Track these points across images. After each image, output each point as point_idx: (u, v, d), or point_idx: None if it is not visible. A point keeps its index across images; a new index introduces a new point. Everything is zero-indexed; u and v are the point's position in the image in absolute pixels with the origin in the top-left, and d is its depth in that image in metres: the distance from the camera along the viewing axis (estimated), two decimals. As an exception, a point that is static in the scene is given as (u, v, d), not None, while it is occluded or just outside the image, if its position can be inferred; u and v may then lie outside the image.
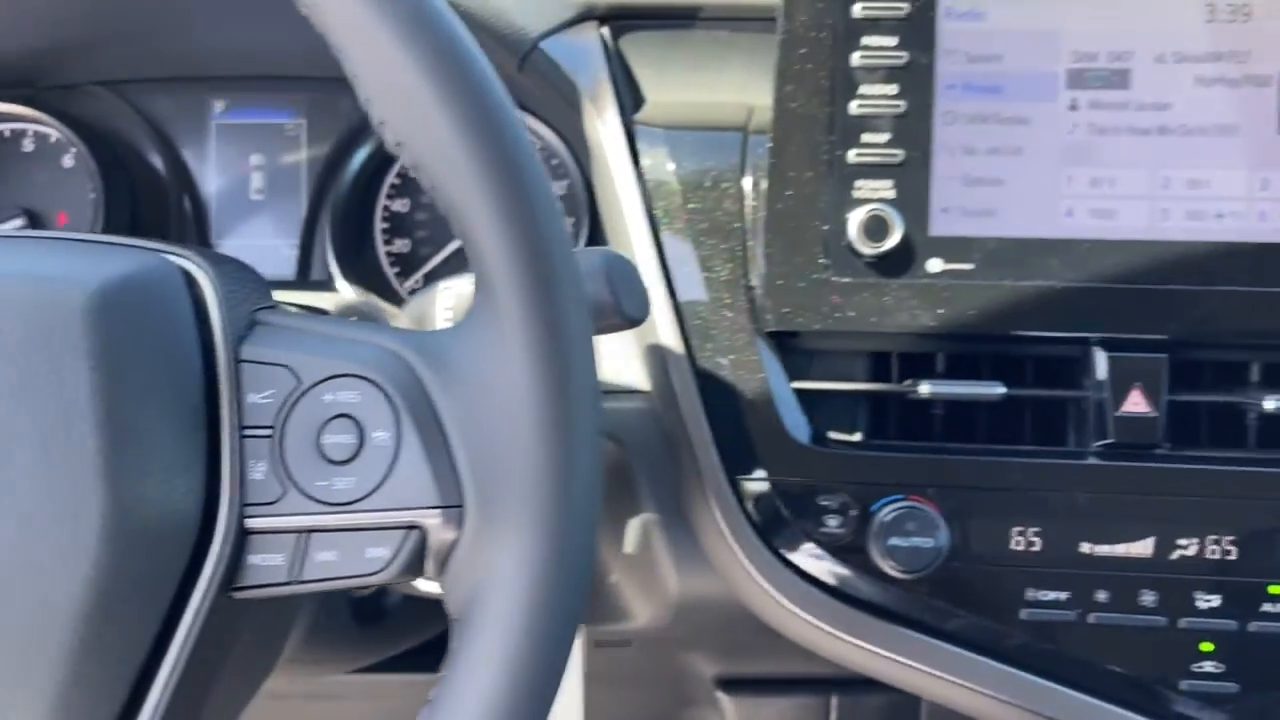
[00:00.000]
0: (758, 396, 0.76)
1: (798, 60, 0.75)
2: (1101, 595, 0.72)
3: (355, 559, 0.48)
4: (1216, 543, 0.72)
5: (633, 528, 0.83)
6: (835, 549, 0.74)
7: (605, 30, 0.84)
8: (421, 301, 0.75)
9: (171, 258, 0.53)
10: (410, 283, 0.97)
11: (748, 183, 0.78)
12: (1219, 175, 0.73)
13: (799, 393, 0.77)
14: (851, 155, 0.75)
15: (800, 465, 0.75)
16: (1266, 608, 0.71)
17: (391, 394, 0.48)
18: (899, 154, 0.74)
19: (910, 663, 0.73)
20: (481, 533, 0.47)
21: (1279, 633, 0.71)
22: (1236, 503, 0.72)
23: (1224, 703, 0.71)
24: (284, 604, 0.63)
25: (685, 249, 0.78)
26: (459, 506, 0.47)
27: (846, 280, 0.75)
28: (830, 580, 0.74)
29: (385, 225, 0.98)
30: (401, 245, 0.98)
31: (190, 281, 0.52)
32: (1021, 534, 0.73)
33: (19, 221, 0.97)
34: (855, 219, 0.73)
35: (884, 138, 0.75)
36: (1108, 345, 0.73)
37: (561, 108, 0.84)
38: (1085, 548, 0.73)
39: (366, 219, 0.97)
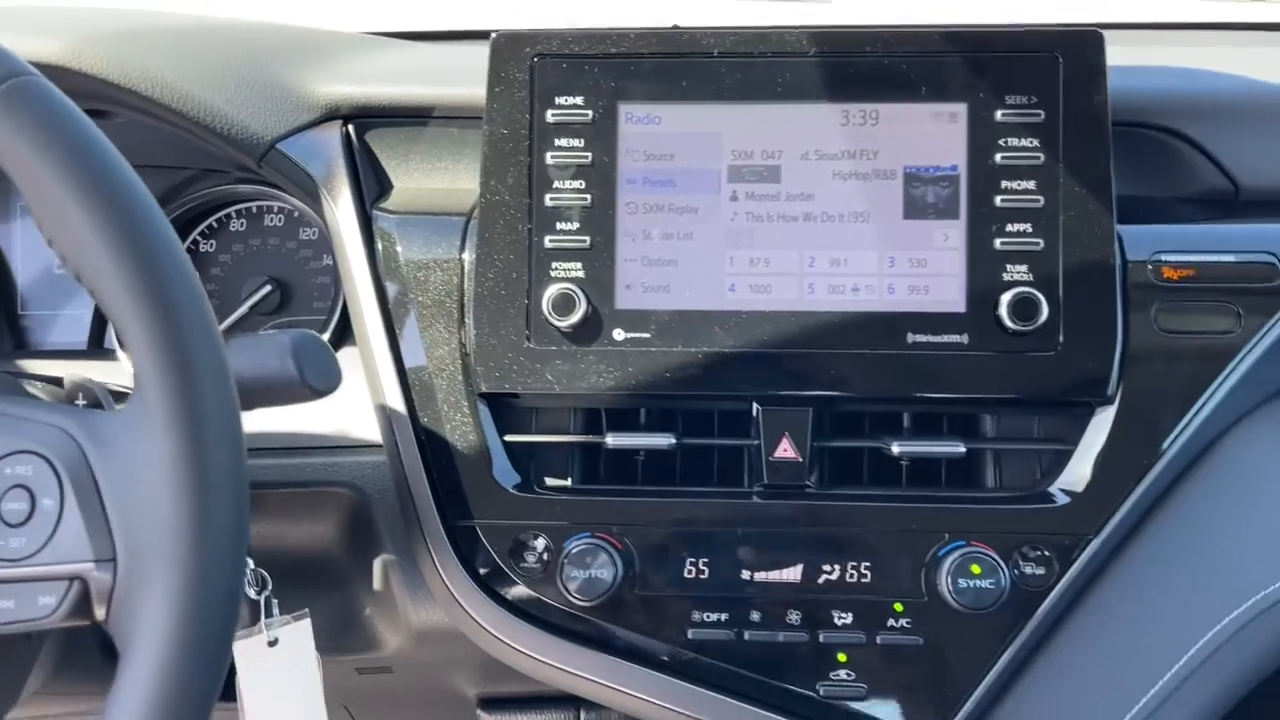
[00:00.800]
0: (471, 449, 0.87)
1: (500, 158, 0.87)
2: (755, 615, 0.84)
3: (29, 605, 0.58)
4: (855, 568, 0.84)
5: (376, 567, 0.94)
6: (532, 581, 0.85)
7: (350, 127, 0.95)
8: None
9: None
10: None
11: (468, 260, 0.90)
12: (855, 255, 0.86)
13: (515, 444, 0.89)
14: (547, 241, 0.87)
15: (505, 509, 0.86)
16: (891, 623, 0.84)
17: (58, 467, 0.59)
18: (586, 240, 0.86)
19: (596, 679, 0.85)
20: (132, 579, 0.58)
21: (901, 643, 0.83)
22: (870, 533, 0.85)
23: (854, 704, 0.83)
24: (10, 644, 0.73)
25: (410, 319, 0.89)
26: (112, 559, 0.58)
27: (545, 348, 0.86)
28: (529, 609, 0.86)
29: (176, 295, 1.08)
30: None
31: None
32: (693, 564, 0.85)
33: None
34: (547, 296, 0.85)
35: (574, 226, 0.87)
36: (765, 401, 0.86)
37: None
38: (745, 575, 0.85)
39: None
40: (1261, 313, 0.85)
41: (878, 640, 0.83)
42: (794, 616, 0.84)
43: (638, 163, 0.88)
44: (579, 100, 0.87)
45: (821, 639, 0.84)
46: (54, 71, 0.84)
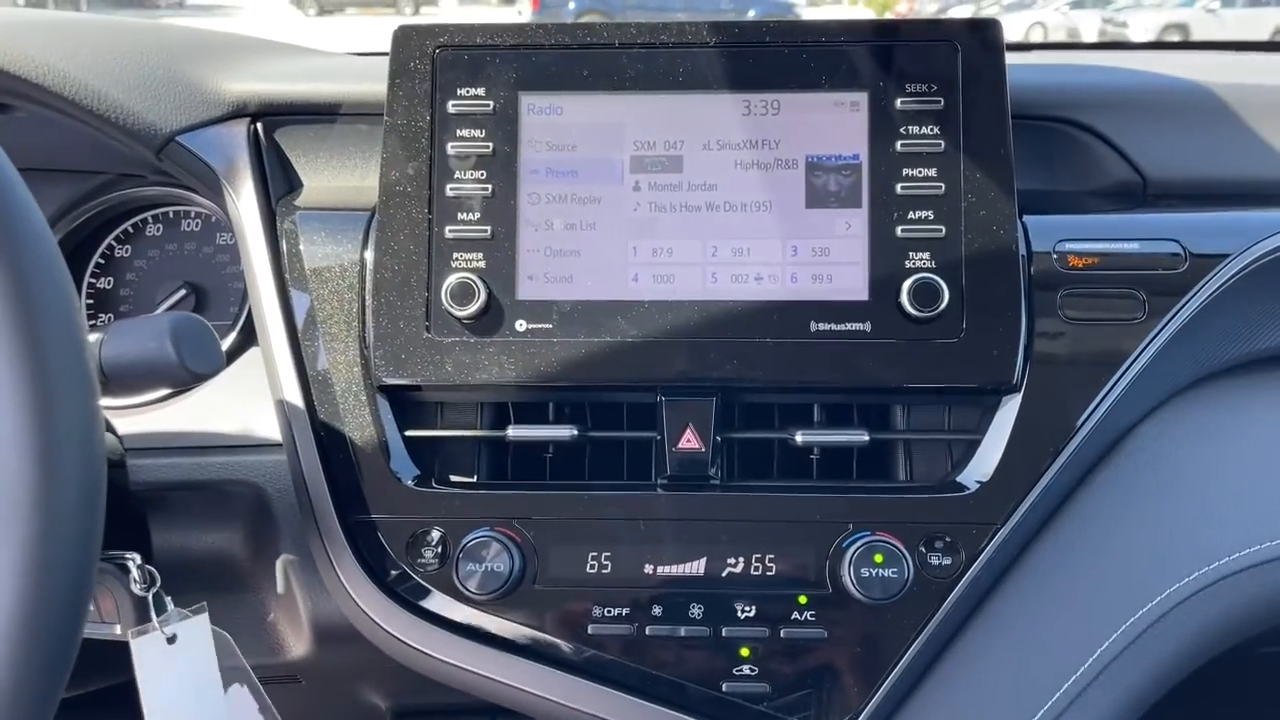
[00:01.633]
0: (369, 444, 0.85)
1: (401, 148, 0.87)
2: (657, 610, 0.82)
3: None
4: (759, 560, 0.83)
5: (278, 568, 0.92)
6: (429, 577, 0.83)
7: (259, 125, 0.95)
8: None
9: None
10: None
11: (369, 255, 0.89)
12: (758, 244, 0.85)
13: (419, 440, 0.87)
14: (448, 231, 0.86)
15: (403, 504, 0.84)
16: (796, 616, 0.82)
17: None
18: (488, 230, 0.86)
19: (493, 677, 0.82)
20: None
21: (804, 637, 0.81)
22: (775, 525, 0.83)
23: (758, 701, 0.81)
24: None
25: (311, 314, 0.88)
26: None
27: (444, 339, 0.85)
28: (425, 605, 0.83)
29: (90, 301, 1.07)
30: (105, 320, 1.07)
31: None
32: (595, 558, 0.83)
33: None
34: (446, 285, 0.84)
35: (475, 216, 0.86)
36: (668, 391, 0.84)
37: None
38: (648, 569, 0.83)
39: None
40: (1167, 300, 0.85)
41: (781, 634, 0.81)
42: (696, 611, 0.82)
43: (540, 153, 0.87)
44: (480, 91, 0.87)
45: (724, 633, 0.82)
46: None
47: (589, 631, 0.82)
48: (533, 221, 0.86)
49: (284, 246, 0.90)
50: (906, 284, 0.82)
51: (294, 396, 0.86)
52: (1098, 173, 0.94)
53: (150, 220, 1.08)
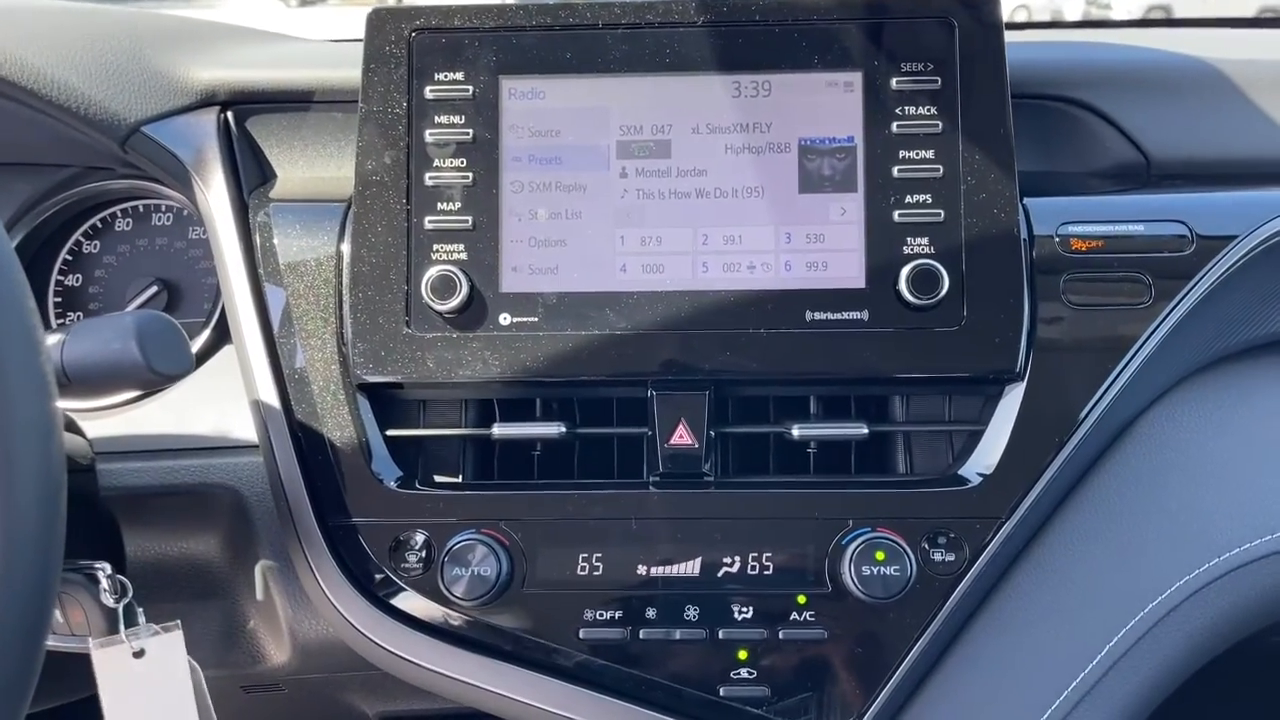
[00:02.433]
0: (348, 444, 0.82)
1: (377, 136, 0.83)
2: (651, 612, 0.79)
3: None
4: (757, 559, 0.80)
5: (257, 574, 0.89)
6: (414, 582, 0.80)
7: (230, 114, 0.91)
8: None
9: None
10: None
11: (346, 248, 0.85)
12: (749, 231, 0.82)
13: (401, 440, 0.84)
14: (427, 222, 0.82)
15: (385, 506, 0.81)
16: (795, 616, 0.79)
17: None
18: (469, 220, 0.82)
19: (481, 685, 0.79)
20: None
21: (804, 638, 0.78)
22: (772, 522, 0.80)
23: (757, 704, 0.78)
24: None
25: (285, 310, 0.85)
26: None
27: (425, 334, 0.82)
28: (409, 611, 0.80)
29: (58, 300, 1.03)
30: (75, 318, 1.03)
31: None
32: (585, 560, 0.80)
33: None
34: (426, 278, 0.81)
35: (456, 205, 0.82)
36: (659, 385, 0.81)
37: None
38: (641, 570, 0.80)
39: (38, 295, 1.02)
40: (1174, 283, 0.82)
41: (780, 635, 0.78)
42: (692, 612, 0.79)
43: (522, 139, 0.84)
44: (459, 76, 0.83)
45: (721, 635, 0.79)
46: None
47: (580, 636, 0.79)
48: (516, 211, 0.83)
49: (257, 240, 0.86)
50: (905, 271, 0.79)
51: (270, 396, 0.83)
52: (1099, 153, 0.91)
53: (119, 215, 1.04)
